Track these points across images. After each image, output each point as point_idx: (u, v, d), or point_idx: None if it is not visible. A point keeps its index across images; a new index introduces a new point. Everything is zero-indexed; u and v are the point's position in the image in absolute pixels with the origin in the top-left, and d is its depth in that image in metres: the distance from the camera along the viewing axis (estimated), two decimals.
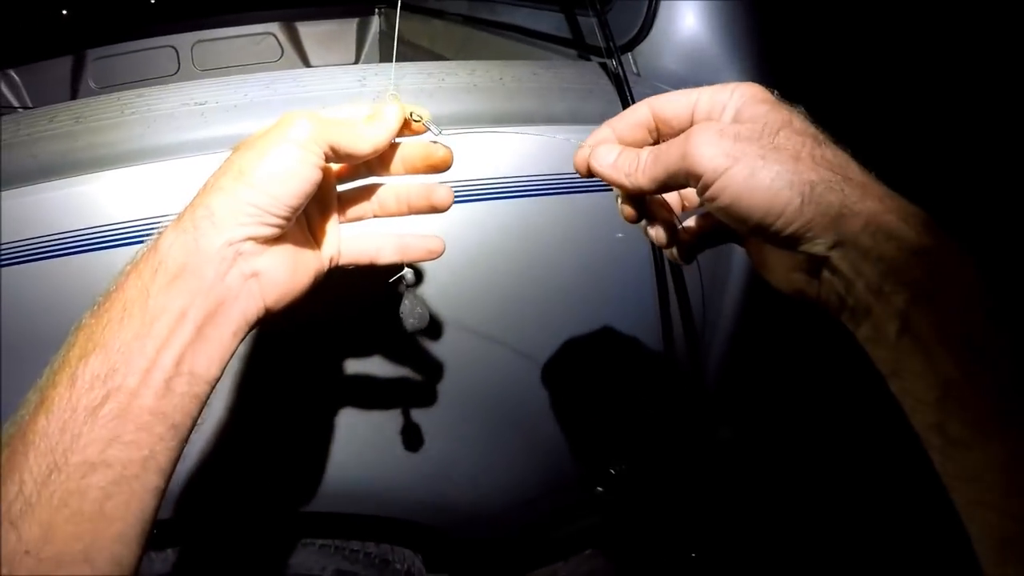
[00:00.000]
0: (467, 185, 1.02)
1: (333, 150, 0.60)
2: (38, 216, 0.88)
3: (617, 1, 1.31)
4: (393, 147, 0.69)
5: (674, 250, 0.65)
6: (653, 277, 1.14)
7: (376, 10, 3.42)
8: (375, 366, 1.07)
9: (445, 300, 1.06)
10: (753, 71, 1.16)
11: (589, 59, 1.37)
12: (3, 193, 0.87)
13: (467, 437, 1.21)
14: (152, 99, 1.02)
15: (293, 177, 0.57)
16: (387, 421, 1.13)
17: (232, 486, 1.11)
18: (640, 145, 0.60)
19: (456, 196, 0.72)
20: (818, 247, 0.48)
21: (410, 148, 0.69)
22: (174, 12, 3.41)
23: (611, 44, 1.11)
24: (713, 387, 1.28)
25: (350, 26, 3.45)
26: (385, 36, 3.37)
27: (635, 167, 0.56)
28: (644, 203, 0.62)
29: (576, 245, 1.11)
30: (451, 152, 0.68)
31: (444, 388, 1.13)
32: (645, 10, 1.23)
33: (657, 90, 1.14)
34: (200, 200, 0.56)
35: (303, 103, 1.01)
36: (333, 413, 1.10)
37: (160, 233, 0.55)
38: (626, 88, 1.06)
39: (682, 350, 1.17)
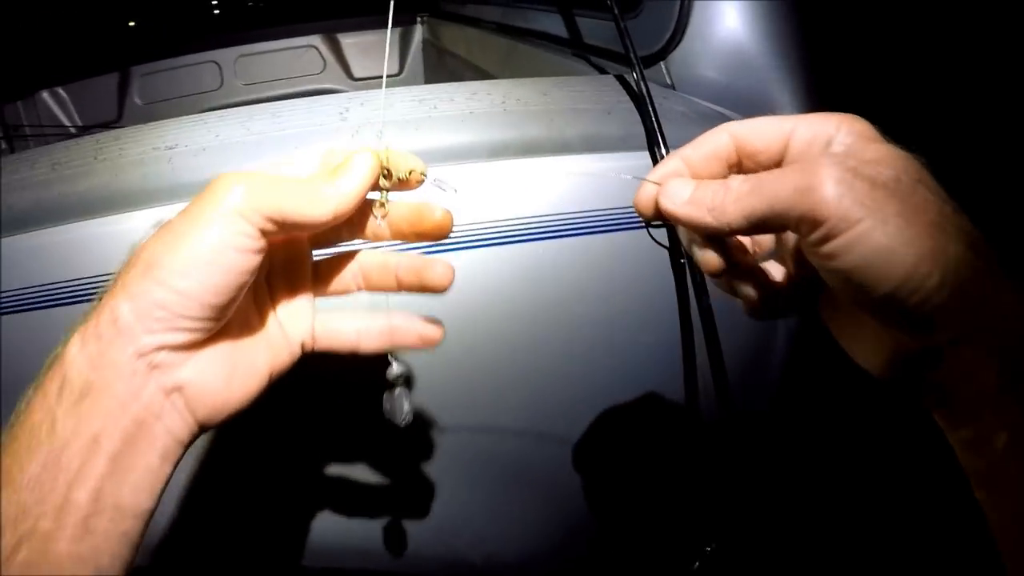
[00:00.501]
0: (469, 230, 0.91)
1: (277, 221, 0.48)
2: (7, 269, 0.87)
3: (646, 3, 1.18)
4: (365, 207, 0.55)
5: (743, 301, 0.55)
6: (698, 327, 1.01)
7: (418, 19, 3.40)
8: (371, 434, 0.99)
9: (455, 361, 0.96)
10: (806, 76, 1.02)
11: (606, 72, 1.25)
12: None
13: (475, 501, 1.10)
14: (126, 142, 0.97)
15: (212, 269, 0.46)
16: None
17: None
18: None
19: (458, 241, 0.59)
20: (942, 336, 0.41)
21: (396, 208, 0.56)
22: (217, 27, 3.48)
23: (631, 53, 0.97)
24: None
25: (392, 36, 3.43)
26: (428, 45, 3.35)
27: (722, 199, 0.45)
28: (726, 248, 0.52)
29: (600, 291, 0.99)
30: (449, 217, 0.56)
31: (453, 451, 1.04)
32: (677, 12, 1.09)
33: (692, 106, 1.02)
34: (106, 301, 0.46)
35: (278, 143, 0.91)
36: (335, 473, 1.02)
37: (65, 340, 0.46)
38: (649, 106, 0.92)
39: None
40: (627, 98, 1.02)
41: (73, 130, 3.04)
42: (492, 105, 0.96)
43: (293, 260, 0.58)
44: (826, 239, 0.41)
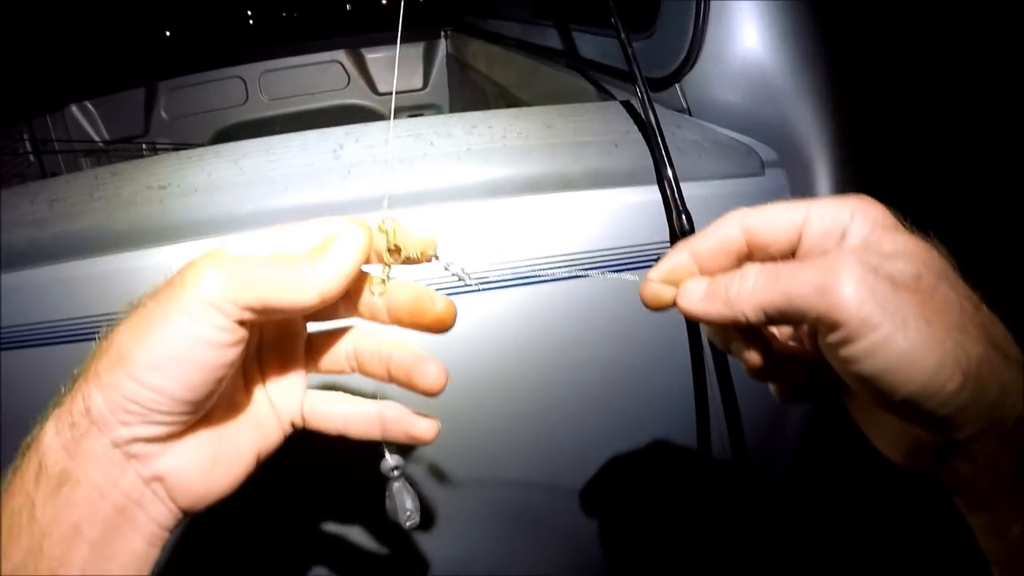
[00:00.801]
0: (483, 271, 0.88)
1: (257, 309, 0.44)
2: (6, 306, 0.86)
3: (659, 23, 1.13)
4: (360, 280, 0.51)
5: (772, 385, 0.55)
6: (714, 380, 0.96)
7: (442, 33, 3.39)
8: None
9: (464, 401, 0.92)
10: (829, 98, 0.97)
11: (624, 92, 1.20)
12: None
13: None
14: (122, 179, 0.95)
15: (185, 365, 0.42)
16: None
17: None
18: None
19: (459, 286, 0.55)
20: (962, 433, 0.40)
21: (395, 291, 0.52)
22: (242, 42, 3.53)
23: (638, 78, 0.93)
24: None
25: (416, 50, 3.44)
26: (452, 59, 3.33)
27: (737, 291, 0.44)
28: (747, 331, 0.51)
29: (609, 334, 0.95)
30: (452, 311, 0.51)
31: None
32: (691, 33, 1.05)
33: (706, 134, 0.98)
34: (79, 387, 0.43)
35: (268, 183, 0.88)
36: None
37: (41, 423, 0.44)
38: (658, 136, 0.88)
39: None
40: (635, 128, 0.97)
41: (101, 144, 3.07)
42: (492, 140, 0.92)
43: (286, 332, 0.55)
44: (844, 343, 0.40)
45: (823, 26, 0.99)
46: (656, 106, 0.92)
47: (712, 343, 0.91)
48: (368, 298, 0.52)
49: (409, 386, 0.53)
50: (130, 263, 0.86)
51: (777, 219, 0.46)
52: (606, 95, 1.37)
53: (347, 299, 0.53)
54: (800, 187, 0.96)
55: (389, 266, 0.51)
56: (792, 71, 0.98)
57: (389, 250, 0.50)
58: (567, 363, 0.95)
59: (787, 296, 0.41)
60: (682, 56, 1.07)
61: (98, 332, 0.45)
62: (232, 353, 0.44)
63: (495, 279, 0.88)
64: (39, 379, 0.88)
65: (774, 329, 0.54)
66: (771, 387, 0.54)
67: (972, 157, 1.05)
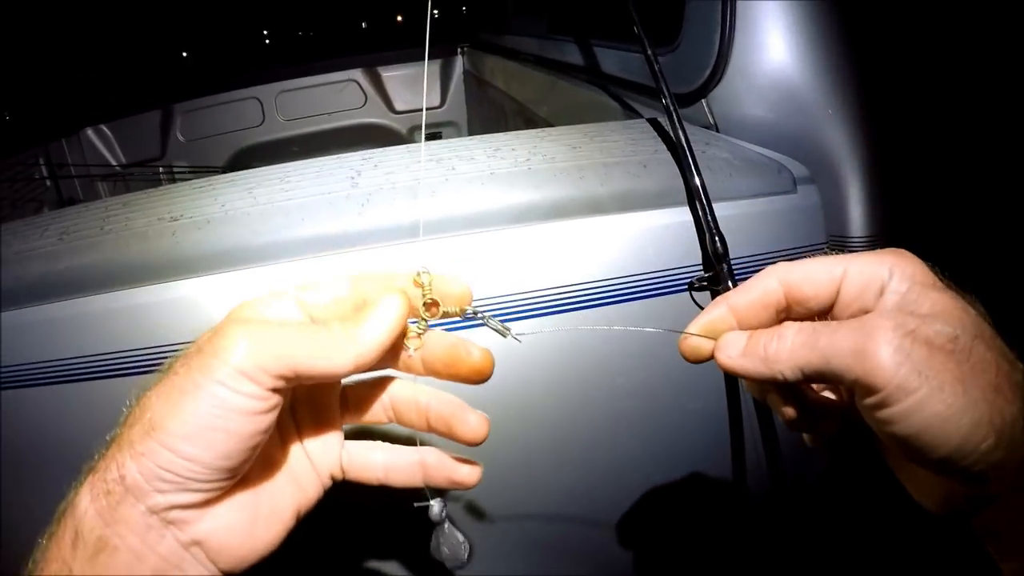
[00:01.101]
0: (501, 301, 0.85)
1: (289, 377, 0.43)
2: (17, 343, 0.85)
3: (684, 36, 1.09)
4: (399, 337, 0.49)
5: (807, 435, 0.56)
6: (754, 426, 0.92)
7: (459, 50, 3.39)
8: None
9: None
10: (859, 112, 0.93)
11: (645, 109, 1.17)
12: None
13: None
14: (133, 209, 0.93)
15: (218, 435, 0.42)
16: None
17: None
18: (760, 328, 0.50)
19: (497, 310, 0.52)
20: (995, 487, 0.41)
21: (431, 342, 0.51)
22: (258, 62, 3.54)
23: (666, 96, 0.89)
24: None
25: (433, 68, 3.43)
26: (469, 76, 3.31)
27: (775, 350, 0.45)
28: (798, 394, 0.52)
29: (641, 360, 0.92)
30: (490, 361, 0.50)
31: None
32: (717, 46, 1.02)
33: (736, 151, 0.94)
34: (113, 453, 0.43)
35: (284, 214, 0.85)
36: None
37: (76, 488, 0.44)
38: (689, 157, 0.84)
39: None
40: (663, 147, 0.93)
41: (118, 168, 3.07)
42: (516, 163, 0.89)
43: (321, 387, 0.53)
44: (881, 405, 0.41)
45: (852, 37, 0.96)
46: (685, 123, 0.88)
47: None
48: (403, 353, 0.51)
49: (449, 436, 0.52)
50: (142, 299, 0.84)
51: (816, 274, 0.47)
52: (628, 110, 1.33)
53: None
54: (832, 203, 0.93)
55: (426, 321, 0.49)
56: (822, 83, 0.95)
57: (425, 304, 0.49)
58: (600, 391, 0.92)
59: (824, 358, 0.42)
60: (708, 71, 1.04)
61: (129, 396, 0.44)
62: (266, 420, 0.43)
63: (524, 307, 0.85)
64: (42, 419, 0.88)
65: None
66: (805, 436, 0.55)
67: (1007, 173, 1.01)
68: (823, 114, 0.94)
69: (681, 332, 0.49)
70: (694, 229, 0.88)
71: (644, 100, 1.30)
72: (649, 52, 0.94)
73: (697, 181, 0.84)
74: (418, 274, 0.48)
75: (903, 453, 0.43)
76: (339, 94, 3.39)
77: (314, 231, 0.83)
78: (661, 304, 0.87)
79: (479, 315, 0.50)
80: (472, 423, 0.51)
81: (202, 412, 0.41)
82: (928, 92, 0.99)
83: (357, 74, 3.38)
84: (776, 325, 0.48)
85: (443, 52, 3.40)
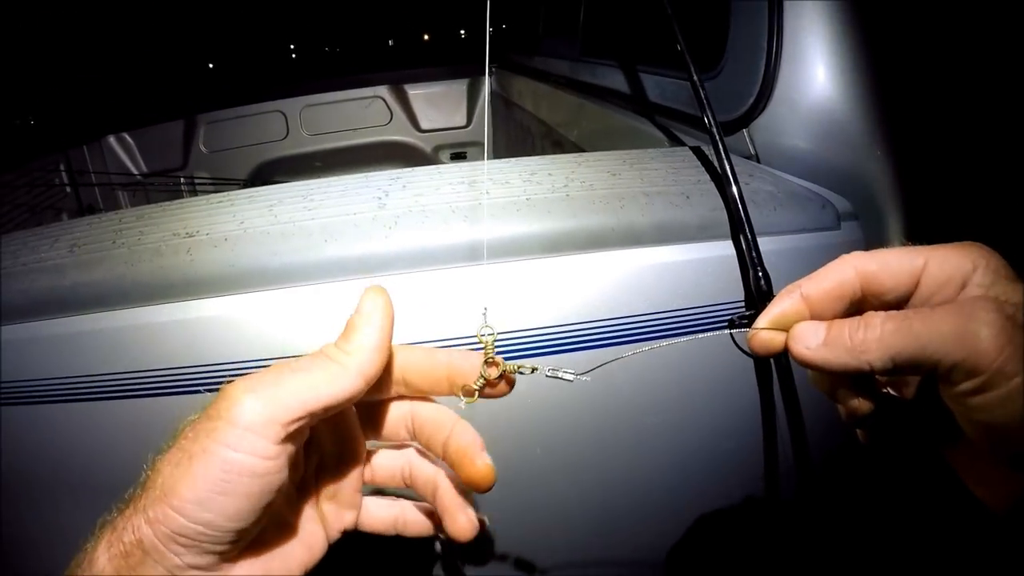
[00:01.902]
0: (530, 335, 0.81)
1: (303, 418, 0.42)
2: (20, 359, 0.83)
3: (727, 63, 1.05)
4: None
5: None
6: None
7: (488, 70, 3.36)
8: None
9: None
10: (905, 146, 0.90)
11: (680, 135, 1.13)
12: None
13: None
14: (147, 223, 0.89)
15: (231, 499, 0.41)
16: None
17: None
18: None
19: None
20: None
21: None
22: (284, 78, 3.54)
23: (713, 125, 0.85)
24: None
25: (460, 87, 3.41)
26: (497, 96, 3.29)
27: (863, 338, 0.42)
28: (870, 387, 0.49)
29: (677, 398, 0.89)
30: (490, 476, 0.48)
31: None
32: (762, 73, 0.98)
33: (781, 184, 0.91)
34: (130, 515, 0.42)
35: (305, 235, 0.81)
36: None
37: (93, 544, 0.43)
38: (735, 188, 0.81)
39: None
40: (707, 177, 0.89)
41: (139, 177, 3.06)
42: (553, 189, 0.85)
43: (344, 446, 0.53)
44: (979, 391, 0.39)
45: (900, 72, 0.93)
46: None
47: (787, 402, 0.84)
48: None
49: (458, 471, 0.50)
50: (152, 318, 0.81)
51: (895, 264, 0.44)
52: (664, 137, 1.29)
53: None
54: (876, 241, 0.89)
55: (485, 379, 0.48)
56: (868, 117, 0.91)
57: (487, 362, 0.48)
58: (633, 428, 0.89)
59: (922, 343, 0.40)
60: (752, 99, 1.01)
61: (145, 460, 0.43)
62: (277, 479, 0.42)
63: (557, 342, 0.81)
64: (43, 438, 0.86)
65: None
66: (860, 433, 0.52)
67: None
68: (868, 149, 0.90)
69: (749, 328, 0.47)
70: (736, 264, 0.84)
71: (680, 127, 1.26)
72: (696, 77, 0.90)
73: (743, 214, 0.80)
74: (480, 332, 0.48)
75: (988, 444, 0.41)
76: (364, 110, 3.37)
77: (337, 254, 0.80)
78: (698, 343, 0.82)
79: (537, 371, 0.48)
80: (478, 469, 0.48)
81: (212, 477, 0.40)
82: (972, 130, 0.95)
83: (383, 91, 3.37)
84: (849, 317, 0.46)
85: (470, 72, 3.39)
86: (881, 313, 0.43)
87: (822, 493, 0.90)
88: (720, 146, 0.84)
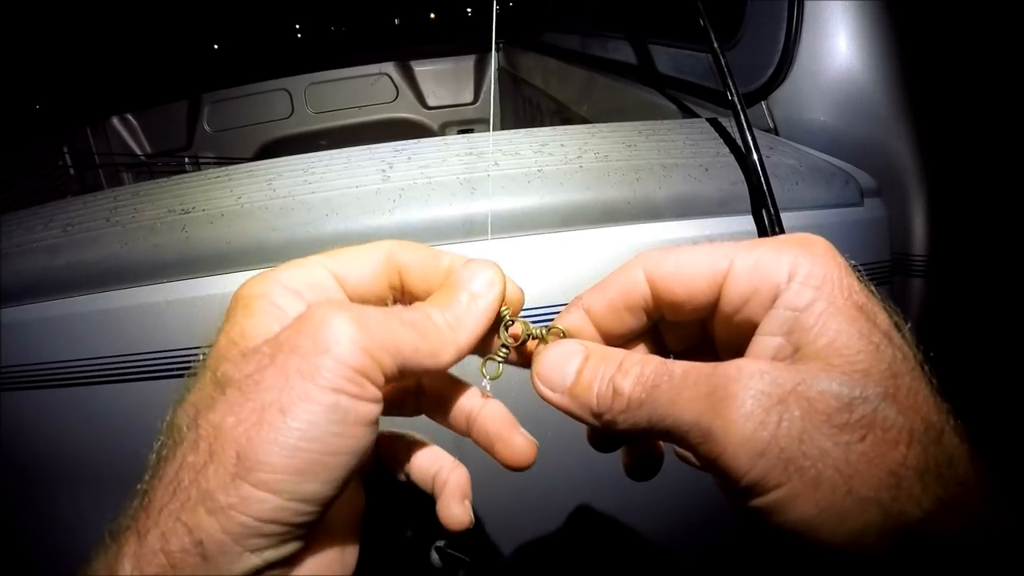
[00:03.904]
0: (537, 314, 0.77)
1: (395, 374, 0.35)
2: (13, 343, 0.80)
3: (745, 32, 1.02)
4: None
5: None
6: None
7: (495, 47, 3.32)
8: None
9: None
10: (930, 121, 0.87)
11: (694, 109, 1.09)
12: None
13: None
14: (143, 200, 0.86)
15: (342, 459, 0.33)
16: None
17: None
18: (626, 335, 0.41)
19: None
20: None
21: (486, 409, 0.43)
22: (290, 57, 3.51)
23: (735, 95, 0.82)
24: None
25: (467, 64, 3.38)
26: (504, 73, 3.25)
27: (609, 405, 0.36)
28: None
29: None
30: (532, 452, 0.42)
31: None
32: (782, 44, 0.95)
33: (803, 158, 0.88)
34: (162, 515, 0.32)
35: (305, 210, 0.77)
36: None
37: (109, 561, 0.32)
38: (757, 161, 0.78)
39: None
40: (726, 149, 0.86)
41: (142, 157, 3.03)
42: (566, 160, 0.81)
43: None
44: (741, 497, 0.32)
45: (925, 45, 0.90)
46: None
47: None
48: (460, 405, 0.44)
49: (488, 452, 0.43)
50: (147, 298, 0.77)
51: (692, 267, 0.37)
52: (679, 110, 1.25)
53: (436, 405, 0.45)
54: (899, 219, 0.86)
55: (506, 348, 0.42)
56: (892, 90, 0.88)
57: (506, 326, 0.42)
58: None
59: (666, 426, 0.34)
60: (771, 70, 0.98)
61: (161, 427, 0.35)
62: (374, 431, 0.35)
63: None
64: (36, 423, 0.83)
65: None
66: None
67: None
68: (892, 123, 0.87)
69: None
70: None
71: (695, 100, 1.23)
72: (716, 47, 0.87)
73: (765, 188, 0.77)
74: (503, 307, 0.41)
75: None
76: (370, 88, 3.34)
77: (339, 228, 0.76)
78: None
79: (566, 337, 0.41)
80: (518, 445, 0.42)
81: (319, 435, 0.31)
82: (1002, 103, 0.92)
83: (389, 67, 3.34)
84: (632, 342, 0.41)
85: (477, 48, 3.35)
86: (638, 367, 0.36)
87: None
88: (742, 117, 0.81)
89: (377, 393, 0.33)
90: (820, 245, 0.35)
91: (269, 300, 0.37)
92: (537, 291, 0.77)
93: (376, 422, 0.34)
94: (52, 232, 0.83)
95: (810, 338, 0.32)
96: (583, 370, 0.37)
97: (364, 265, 0.40)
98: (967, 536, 0.30)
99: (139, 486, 0.34)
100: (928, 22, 0.90)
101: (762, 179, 0.77)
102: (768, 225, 0.77)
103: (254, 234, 0.76)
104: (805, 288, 0.33)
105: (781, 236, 0.36)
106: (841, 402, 0.31)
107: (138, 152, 3.07)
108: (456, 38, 3.47)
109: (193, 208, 0.80)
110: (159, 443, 0.34)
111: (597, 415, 0.36)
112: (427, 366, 0.36)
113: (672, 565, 0.97)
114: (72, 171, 2.73)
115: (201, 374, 0.35)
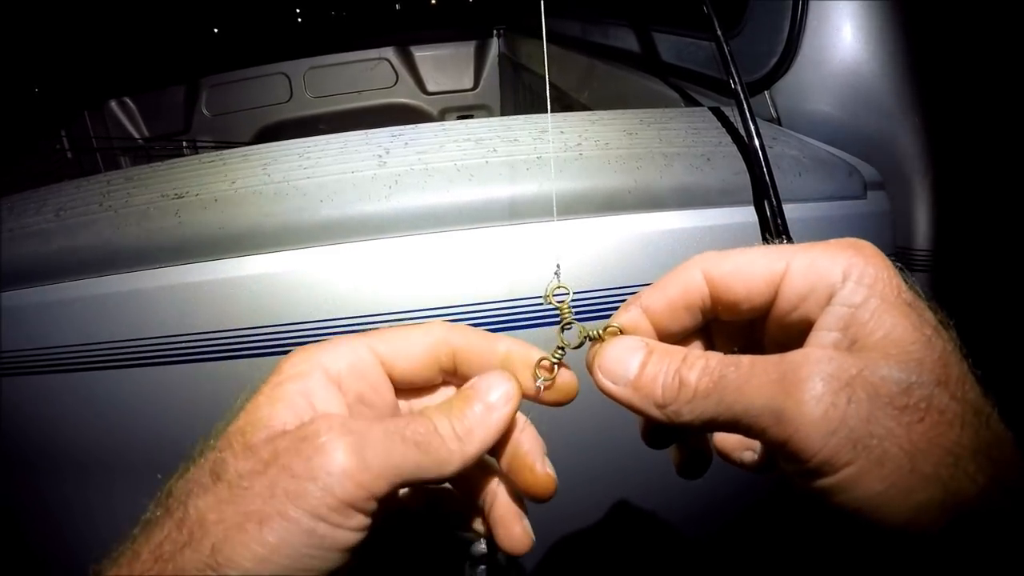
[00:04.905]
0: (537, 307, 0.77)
1: (390, 491, 0.35)
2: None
3: (749, 21, 1.01)
4: None
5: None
6: None
7: (495, 32, 3.32)
8: None
9: None
10: (935, 114, 0.87)
11: (696, 96, 1.09)
12: None
13: None
14: (136, 184, 0.86)
15: (306, 570, 0.33)
16: None
17: None
18: (679, 334, 0.42)
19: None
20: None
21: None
22: (290, 41, 3.49)
23: (738, 85, 0.81)
24: None
25: (467, 49, 3.36)
26: (505, 59, 3.25)
27: (675, 396, 0.37)
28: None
29: None
30: (552, 485, 0.41)
31: None
32: (787, 33, 0.94)
33: (806, 149, 0.87)
34: None
35: (300, 195, 0.77)
36: None
37: None
38: (760, 151, 0.78)
39: None
40: (728, 139, 0.85)
41: (140, 141, 3.02)
42: (565, 148, 0.80)
43: None
44: (807, 477, 0.33)
45: (931, 37, 0.89)
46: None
47: None
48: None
49: (509, 474, 0.43)
50: (139, 284, 0.77)
51: (750, 269, 0.39)
52: (682, 98, 1.25)
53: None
54: (902, 213, 0.86)
55: (562, 350, 0.42)
56: (897, 82, 0.88)
57: (564, 327, 0.43)
58: None
59: (734, 414, 0.35)
60: (774, 59, 0.97)
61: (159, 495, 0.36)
62: (354, 555, 0.35)
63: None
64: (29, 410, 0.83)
65: None
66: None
67: None
68: (897, 114, 0.87)
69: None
70: (758, 231, 0.81)
71: (696, 89, 1.22)
72: (720, 35, 0.86)
73: (768, 178, 0.77)
74: (549, 292, 0.42)
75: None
76: (370, 72, 3.31)
77: (334, 215, 0.76)
78: None
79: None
80: (541, 476, 0.42)
81: (291, 553, 0.32)
82: (1008, 96, 0.91)
83: (389, 52, 3.31)
84: (684, 340, 0.43)
85: (477, 34, 3.33)
86: (702, 359, 0.37)
87: None
88: (745, 106, 0.81)
89: (363, 521, 0.34)
90: (869, 248, 0.36)
91: (302, 386, 0.37)
92: (532, 279, 0.77)
93: (357, 547, 0.34)
94: (44, 217, 0.82)
95: (866, 331, 0.34)
96: (647, 363, 0.38)
97: (414, 348, 0.41)
98: (1019, 513, 0.31)
99: (128, 541, 0.34)
100: (935, 14, 0.89)
101: (764, 170, 0.77)
102: (770, 216, 0.77)
103: (248, 219, 0.75)
104: (859, 287, 0.35)
105: (831, 240, 0.38)
106: (900, 387, 0.32)
107: (136, 136, 3.05)
108: (457, 24, 3.45)
109: (187, 193, 0.79)
110: (156, 503, 0.35)
111: (661, 406, 0.37)
112: (430, 479, 0.37)
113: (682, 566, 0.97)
114: (70, 155, 2.72)
115: (206, 452, 0.36)
